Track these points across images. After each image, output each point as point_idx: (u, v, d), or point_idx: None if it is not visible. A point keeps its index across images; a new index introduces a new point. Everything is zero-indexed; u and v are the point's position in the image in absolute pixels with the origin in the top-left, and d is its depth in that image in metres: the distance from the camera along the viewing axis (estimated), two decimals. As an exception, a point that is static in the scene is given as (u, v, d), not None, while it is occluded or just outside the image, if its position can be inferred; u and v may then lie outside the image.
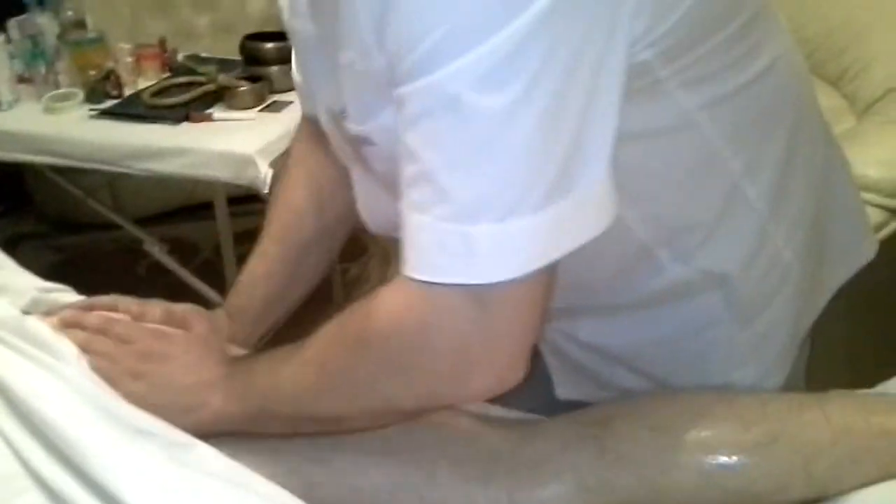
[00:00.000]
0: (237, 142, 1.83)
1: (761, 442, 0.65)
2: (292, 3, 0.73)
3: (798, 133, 0.75)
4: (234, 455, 0.66)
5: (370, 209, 0.79)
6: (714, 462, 0.65)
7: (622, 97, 0.55)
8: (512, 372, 0.61)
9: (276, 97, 2.04)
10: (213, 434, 0.69)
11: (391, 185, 0.63)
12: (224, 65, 2.25)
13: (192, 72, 2.20)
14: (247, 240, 1.01)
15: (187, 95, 2.00)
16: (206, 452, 0.66)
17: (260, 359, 0.73)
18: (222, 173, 1.82)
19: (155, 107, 1.98)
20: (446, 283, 0.56)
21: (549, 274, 0.58)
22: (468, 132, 0.52)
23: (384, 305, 0.62)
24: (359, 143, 0.68)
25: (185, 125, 1.93)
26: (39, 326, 0.73)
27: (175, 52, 2.34)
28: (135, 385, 0.71)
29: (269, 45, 2.07)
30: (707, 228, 0.71)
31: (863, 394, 0.72)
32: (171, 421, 0.67)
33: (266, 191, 1.78)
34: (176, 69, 2.24)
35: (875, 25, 1.70)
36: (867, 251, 0.86)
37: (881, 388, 0.77)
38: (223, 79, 1.98)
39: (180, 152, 1.84)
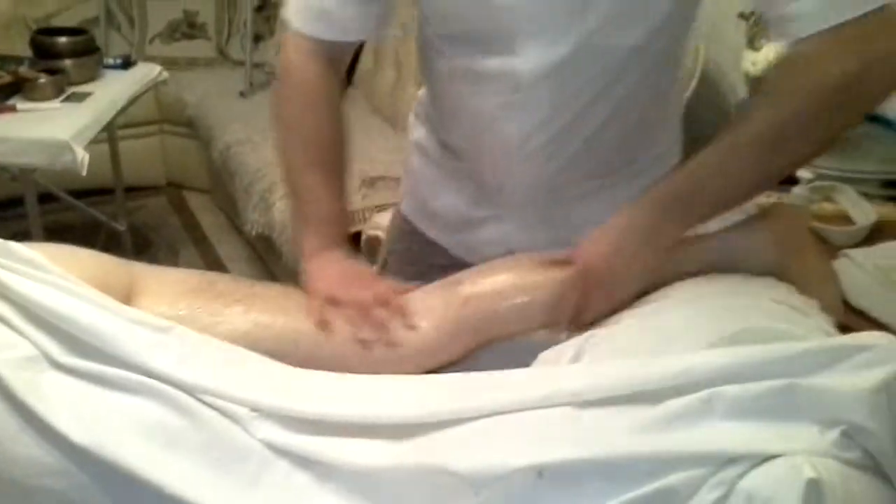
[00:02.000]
0: (48, 129, 1.92)
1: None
2: None
3: None
4: None
5: (532, 67, 0.96)
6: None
7: None
8: None
9: (74, 89, 2.13)
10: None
11: (579, 40, 0.91)
12: (3, 60, 2.27)
13: (-28, 67, 2.20)
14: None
15: (-18, 88, 2.02)
16: (182, 330, 0.86)
17: (680, 181, 0.91)
18: (37, 160, 1.88)
19: (-53, 100, 1.98)
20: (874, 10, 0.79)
21: None
22: None
23: (830, 58, 0.81)
24: None
25: (-14, 116, 1.96)
26: (20, 247, 0.85)
27: (-55, 48, 2.32)
28: None
29: (64, 40, 2.15)
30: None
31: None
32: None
33: (84, 173, 1.88)
34: (-47, 65, 2.23)
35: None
36: None
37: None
38: (24, 71, 2.03)
39: (-10, 141, 1.88)
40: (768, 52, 1.51)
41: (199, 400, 0.78)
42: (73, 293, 0.82)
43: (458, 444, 0.75)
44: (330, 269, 1.01)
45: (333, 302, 0.95)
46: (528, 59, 0.95)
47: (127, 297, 0.92)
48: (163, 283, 0.98)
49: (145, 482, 0.73)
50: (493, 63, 0.98)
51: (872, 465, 0.65)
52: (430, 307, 0.96)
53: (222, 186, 2.93)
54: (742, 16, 1.63)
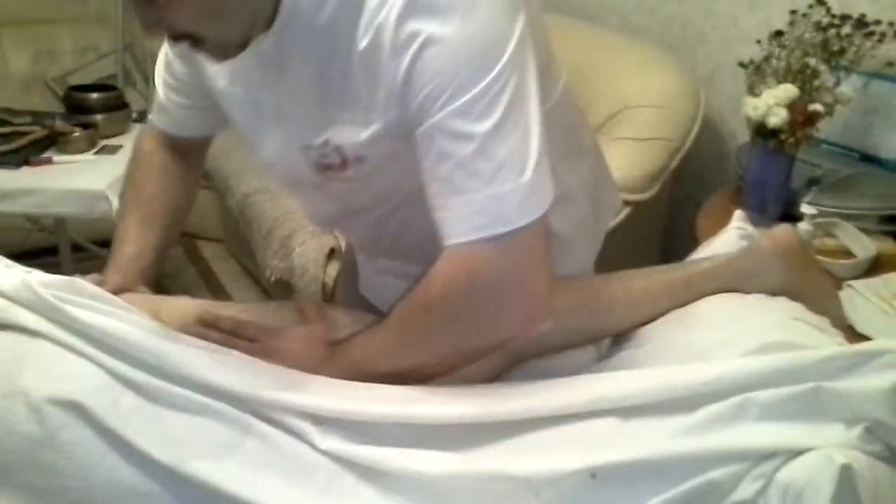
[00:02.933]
0: (84, 180, 2.00)
1: (570, 306, 1.03)
2: (234, 76, 0.96)
3: (584, 138, 1.17)
4: None
5: (315, 213, 1.12)
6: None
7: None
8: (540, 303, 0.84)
9: (105, 142, 2.23)
10: None
11: (339, 197, 0.99)
12: (37, 115, 2.37)
13: (7, 122, 2.30)
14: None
15: (21, 142, 2.12)
16: (239, 353, 0.90)
17: (354, 337, 0.93)
18: (74, 209, 1.98)
19: (-14, 154, 2.08)
20: (485, 237, 0.78)
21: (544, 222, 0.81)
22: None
23: (439, 272, 0.83)
24: (332, 166, 0.92)
25: (25, 169, 2.06)
26: (86, 284, 0.91)
27: (-21, 105, 2.42)
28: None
29: (96, 96, 2.26)
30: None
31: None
32: None
33: (119, 222, 1.96)
34: (-12, 121, 2.33)
35: (599, 69, 2.28)
36: (619, 209, 1.31)
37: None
38: (60, 125, 2.12)
39: (28, 193, 1.98)
40: (768, 98, 1.61)
41: (263, 416, 0.83)
42: (139, 324, 0.88)
43: (516, 451, 0.82)
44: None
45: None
46: (311, 208, 1.11)
47: None
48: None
49: (229, 496, 0.78)
50: None
51: (892, 457, 0.73)
52: None
53: (238, 235, 3.01)
54: (741, 65, 1.74)
